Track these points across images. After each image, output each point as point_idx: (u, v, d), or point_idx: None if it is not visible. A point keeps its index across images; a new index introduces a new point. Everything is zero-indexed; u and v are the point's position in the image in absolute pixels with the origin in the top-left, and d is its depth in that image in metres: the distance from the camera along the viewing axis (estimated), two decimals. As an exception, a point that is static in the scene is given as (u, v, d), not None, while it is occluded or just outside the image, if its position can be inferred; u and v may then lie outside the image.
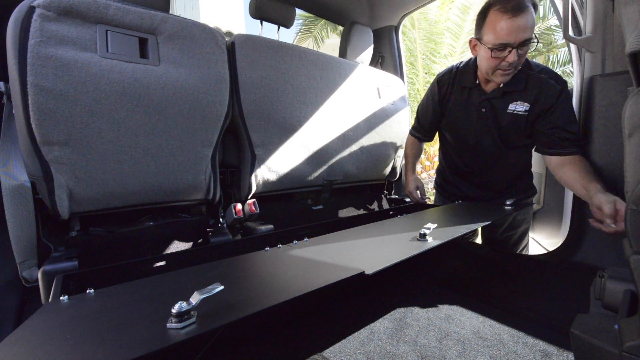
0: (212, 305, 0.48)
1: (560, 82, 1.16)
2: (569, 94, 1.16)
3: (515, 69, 1.13)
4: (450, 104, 1.34)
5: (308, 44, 9.02)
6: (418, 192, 1.52)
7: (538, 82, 1.16)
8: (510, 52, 1.07)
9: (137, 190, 0.98)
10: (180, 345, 0.39)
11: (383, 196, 1.90)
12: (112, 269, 0.77)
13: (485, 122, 1.26)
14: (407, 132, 1.78)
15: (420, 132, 1.53)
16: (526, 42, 1.07)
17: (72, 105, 0.83)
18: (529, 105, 1.18)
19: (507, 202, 1.19)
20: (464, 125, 1.33)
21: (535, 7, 1.08)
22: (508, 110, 1.20)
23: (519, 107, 1.19)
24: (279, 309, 0.51)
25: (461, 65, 1.31)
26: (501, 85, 1.19)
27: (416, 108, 1.57)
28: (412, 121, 1.63)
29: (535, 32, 1.09)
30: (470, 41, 1.20)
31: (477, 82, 1.24)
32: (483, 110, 1.25)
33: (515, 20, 1.04)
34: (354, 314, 0.77)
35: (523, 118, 1.19)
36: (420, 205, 1.53)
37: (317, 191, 1.55)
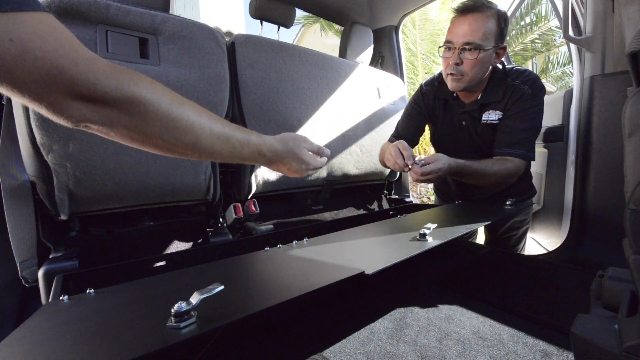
0: (212, 305, 0.48)
1: (534, 87, 1.12)
2: (536, 98, 1.12)
3: (467, 78, 1.10)
4: (439, 118, 1.32)
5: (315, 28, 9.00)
6: (401, 152, 1.09)
7: (511, 89, 1.14)
8: (454, 52, 1.08)
9: (137, 190, 0.98)
10: (180, 345, 0.39)
11: (383, 196, 1.90)
12: (112, 269, 0.77)
13: (467, 134, 1.26)
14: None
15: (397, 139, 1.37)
16: (470, 47, 1.04)
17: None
18: (501, 113, 1.16)
19: (507, 202, 1.19)
20: (450, 139, 1.32)
21: (502, 18, 1.05)
22: (482, 121, 1.20)
23: (491, 115, 1.18)
24: (278, 309, 0.51)
25: (441, 77, 1.28)
26: (478, 97, 1.19)
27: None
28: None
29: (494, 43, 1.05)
30: None
31: (455, 94, 1.24)
32: (463, 123, 1.25)
33: (460, 19, 1.05)
34: (354, 314, 0.77)
35: (495, 126, 1.18)
36: (420, 206, 1.53)
37: (317, 191, 1.55)
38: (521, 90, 1.12)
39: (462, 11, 1.06)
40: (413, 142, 1.39)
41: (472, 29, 1.03)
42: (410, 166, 1.06)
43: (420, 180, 1.06)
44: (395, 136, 1.42)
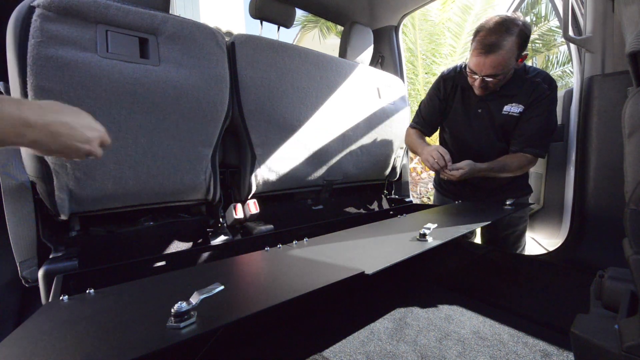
0: (212, 305, 0.48)
1: (552, 87, 1.21)
2: (554, 98, 1.23)
3: (491, 89, 1.22)
4: (454, 104, 1.39)
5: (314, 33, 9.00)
6: (443, 156, 1.25)
7: (532, 85, 1.22)
8: (478, 78, 1.17)
9: (137, 190, 0.98)
10: (180, 345, 0.39)
11: (383, 196, 1.90)
12: (112, 269, 0.77)
13: (481, 122, 1.32)
14: (407, 132, 1.78)
15: (422, 125, 1.49)
16: (493, 76, 1.15)
17: (72, 105, 0.83)
18: (523, 107, 1.24)
19: (507, 202, 1.19)
20: (463, 125, 1.37)
21: (522, 37, 1.11)
22: (503, 112, 1.27)
23: (514, 108, 1.26)
24: (279, 309, 0.51)
25: (463, 66, 1.35)
26: (498, 89, 1.25)
27: (416, 108, 1.57)
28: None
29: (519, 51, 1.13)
30: None
31: None
32: (479, 110, 1.31)
33: (483, 58, 1.13)
34: (354, 314, 0.77)
35: (516, 119, 1.26)
36: (420, 206, 1.53)
37: (317, 191, 1.55)
38: (542, 89, 1.20)
39: (485, 52, 1.11)
40: (433, 127, 1.49)
41: (493, 66, 1.12)
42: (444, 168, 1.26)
43: (447, 176, 1.25)
44: (417, 121, 1.50)
